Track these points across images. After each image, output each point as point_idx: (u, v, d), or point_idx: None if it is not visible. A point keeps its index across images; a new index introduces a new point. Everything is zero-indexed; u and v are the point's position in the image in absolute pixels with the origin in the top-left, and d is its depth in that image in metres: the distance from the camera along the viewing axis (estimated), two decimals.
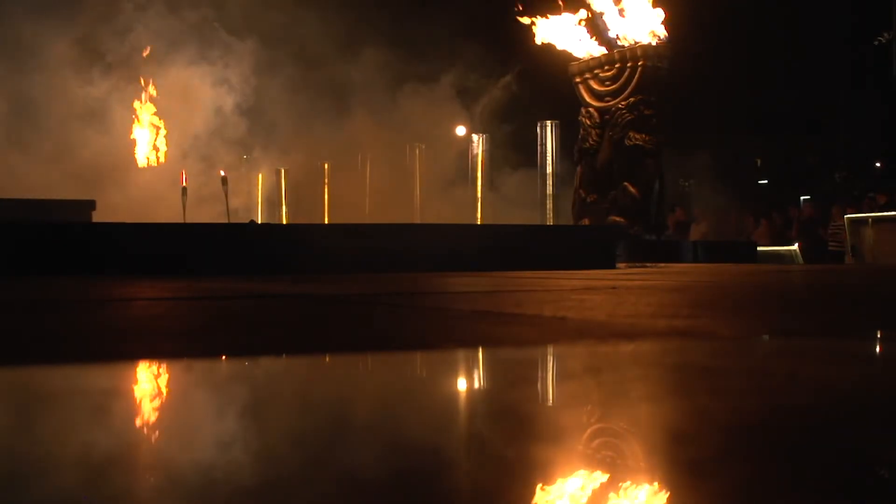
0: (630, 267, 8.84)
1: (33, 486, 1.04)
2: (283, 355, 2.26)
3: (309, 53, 15.95)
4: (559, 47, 13.11)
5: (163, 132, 15.80)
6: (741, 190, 20.64)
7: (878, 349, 2.54)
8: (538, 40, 13.07)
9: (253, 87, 16.05)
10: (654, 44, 12.41)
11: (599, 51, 13.01)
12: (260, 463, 1.15)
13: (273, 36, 15.90)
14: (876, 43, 18.25)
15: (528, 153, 14.58)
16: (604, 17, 12.70)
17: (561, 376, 1.98)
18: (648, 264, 9.55)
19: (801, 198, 21.59)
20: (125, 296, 4.49)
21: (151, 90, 15.68)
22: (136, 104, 15.69)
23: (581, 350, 2.27)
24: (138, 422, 1.45)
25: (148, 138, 15.77)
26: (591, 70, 13.04)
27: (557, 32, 13.07)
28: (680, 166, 19.10)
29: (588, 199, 12.95)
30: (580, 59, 13.19)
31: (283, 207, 15.75)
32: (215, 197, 13.67)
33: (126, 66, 15.39)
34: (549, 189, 13.57)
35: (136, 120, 15.72)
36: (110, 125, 15.39)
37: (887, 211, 12.97)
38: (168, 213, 12.29)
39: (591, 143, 12.91)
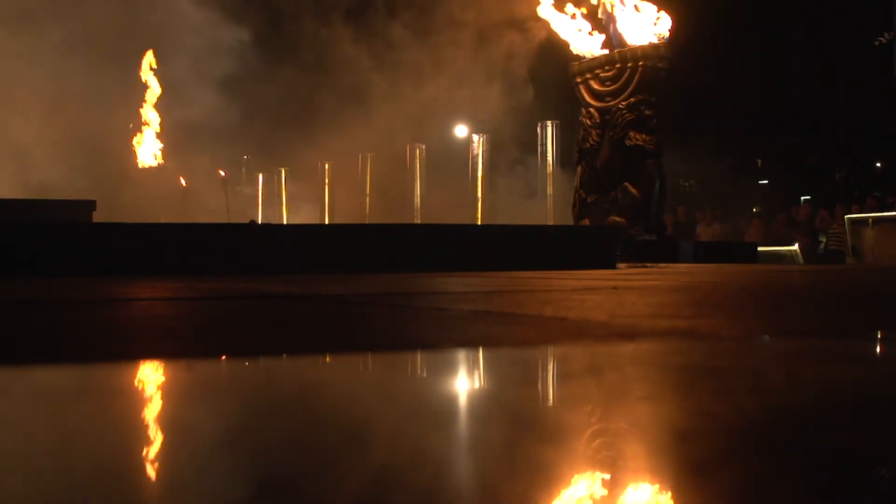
0: (630, 267, 8.82)
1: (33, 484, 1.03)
2: (283, 355, 2.25)
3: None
4: (571, 43, 13.07)
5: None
6: (742, 190, 20.64)
7: (878, 350, 2.54)
8: (558, 33, 13.00)
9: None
10: (654, 44, 12.41)
11: (600, 51, 13.01)
12: (259, 462, 1.15)
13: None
14: (876, 43, 18.24)
15: (527, 153, 14.57)
16: (605, 18, 12.70)
17: (562, 377, 1.97)
18: (649, 264, 9.53)
19: (802, 198, 21.61)
20: (125, 296, 4.48)
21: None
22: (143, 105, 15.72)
23: (582, 350, 2.27)
24: (136, 421, 1.44)
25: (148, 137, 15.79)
26: (591, 70, 13.03)
27: (563, 30, 13.07)
28: (681, 167, 19.10)
29: (588, 199, 12.96)
30: (581, 59, 13.19)
31: (284, 207, 15.74)
32: (215, 197, 13.68)
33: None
34: (549, 189, 13.56)
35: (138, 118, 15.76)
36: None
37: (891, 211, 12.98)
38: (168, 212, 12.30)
39: (592, 143, 12.91)
